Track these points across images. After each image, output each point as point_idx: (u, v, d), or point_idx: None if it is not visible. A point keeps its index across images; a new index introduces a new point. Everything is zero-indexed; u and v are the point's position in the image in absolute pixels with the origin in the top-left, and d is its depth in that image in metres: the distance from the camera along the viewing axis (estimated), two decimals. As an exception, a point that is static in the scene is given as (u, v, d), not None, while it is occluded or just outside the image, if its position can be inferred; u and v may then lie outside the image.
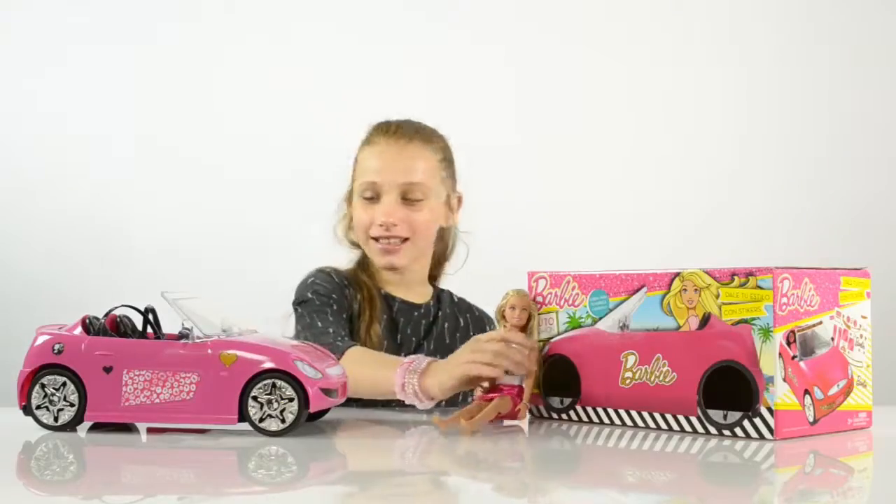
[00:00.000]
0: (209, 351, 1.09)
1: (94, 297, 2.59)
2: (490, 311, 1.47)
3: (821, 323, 1.10)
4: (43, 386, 1.11)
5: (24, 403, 1.13)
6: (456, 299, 1.70)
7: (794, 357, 1.07)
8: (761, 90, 2.70)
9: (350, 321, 1.53)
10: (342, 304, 1.52)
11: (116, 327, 1.17)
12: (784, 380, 1.05)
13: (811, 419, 1.09)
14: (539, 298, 1.27)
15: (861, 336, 1.15)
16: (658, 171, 2.68)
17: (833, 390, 1.11)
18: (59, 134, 2.65)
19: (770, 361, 1.05)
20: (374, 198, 1.57)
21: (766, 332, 1.05)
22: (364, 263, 1.63)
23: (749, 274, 1.07)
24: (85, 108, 2.67)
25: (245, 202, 2.59)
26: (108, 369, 1.10)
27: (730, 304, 1.08)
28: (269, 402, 1.08)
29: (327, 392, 1.10)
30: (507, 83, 2.69)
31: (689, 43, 2.71)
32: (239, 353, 1.09)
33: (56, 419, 1.11)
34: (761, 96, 2.70)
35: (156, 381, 1.09)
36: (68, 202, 2.64)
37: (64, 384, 1.11)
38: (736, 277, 1.08)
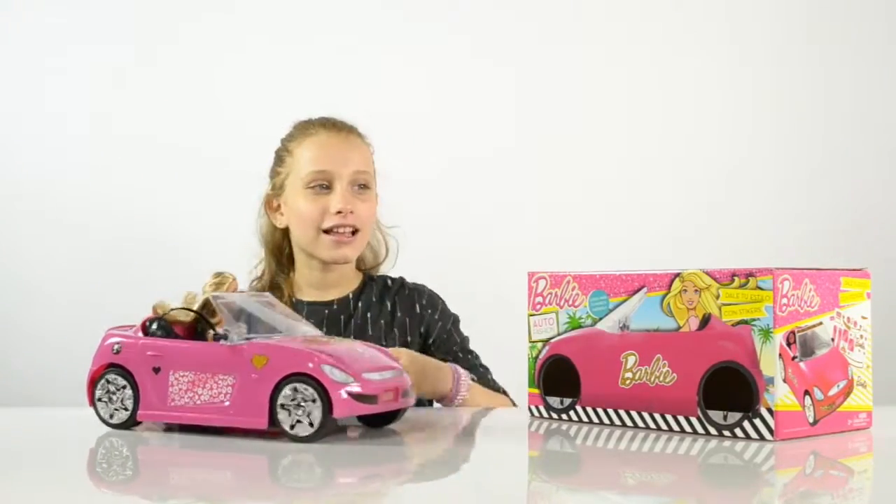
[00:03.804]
0: (244, 353, 1.08)
1: (95, 299, 2.59)
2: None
3: (821, 324, 1.10)
4: (108, 381, 1.14)
5: (92, 404, 1.16)
6: (390, 283, 1.65)
7: (794, 358, 1.07)
8: (761, 90, 2.70)
9: None
10: None
11: (186, 328, 1.17)
12: (784, 380, 1.05)
13: (811, 420, 1.08)
14: (539, 299, 1.27)
15: (861, 337, 1.15)
16: (658, 172, 2.68)
17: (833, 391, 1.11)
18: (59, 134, 2.66)
19: (770, 362, 1.05)
20: (325, 187, 1.53)
21: (767, 333, 1.05)
22: (282, 275, 1.58)
23: (749, 275, 1.07)
24: (85, 108, 2.66)
25: (244, 201, 2.59)
26: (157, 370, 1.12)
27: (730, 304, 1.08)
28: (296, 406, 1.05)
29: (362, 398, 1.06)
30: (507, 82, 2.69)
31: (689, 43, 2.71)
32: (270, 355, 1.07)
33: (111, 416, 1.14)
34: (761, 96, 2.70)
35: (198, 383, 1.10)
36: (69, 203, 2.64)
37: (124, 386, 1.13)
38: (736, 278, 1.08)
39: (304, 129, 1.60)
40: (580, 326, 1.22)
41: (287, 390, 1.05)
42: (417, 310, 1.62)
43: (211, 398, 1.09)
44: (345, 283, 1.61)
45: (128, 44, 2.66)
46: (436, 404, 1.53)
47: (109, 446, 1.08)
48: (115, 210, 2.64)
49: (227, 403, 1.08)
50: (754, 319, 1.06)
